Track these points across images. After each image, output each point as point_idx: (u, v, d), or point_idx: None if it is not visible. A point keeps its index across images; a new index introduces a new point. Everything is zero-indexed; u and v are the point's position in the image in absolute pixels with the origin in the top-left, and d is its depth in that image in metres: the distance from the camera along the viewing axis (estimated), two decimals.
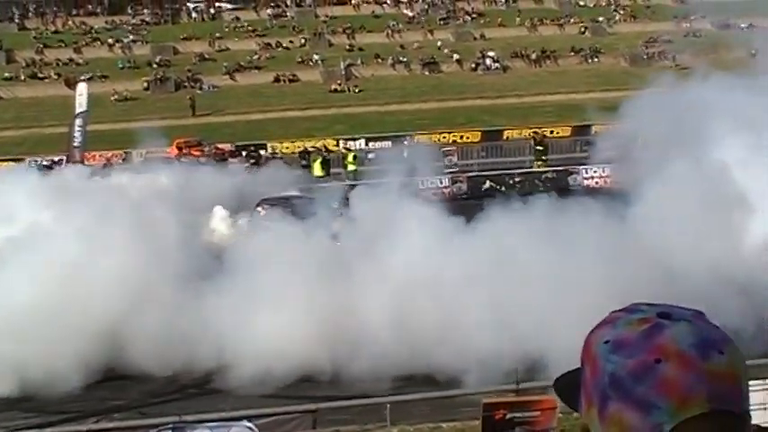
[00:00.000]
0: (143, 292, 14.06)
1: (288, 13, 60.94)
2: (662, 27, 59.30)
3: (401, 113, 43.54)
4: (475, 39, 57.83)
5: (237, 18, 59.97)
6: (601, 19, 61.08)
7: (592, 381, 1.15)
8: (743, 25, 57.76)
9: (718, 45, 49.05)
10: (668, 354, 1.09)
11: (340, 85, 50.68)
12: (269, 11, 60.62)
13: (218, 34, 56.43)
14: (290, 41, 56.65)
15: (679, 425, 1.07)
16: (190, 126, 39.86)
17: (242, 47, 55.68)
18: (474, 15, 61.00)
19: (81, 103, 32.69)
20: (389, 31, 57.78)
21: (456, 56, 54.54)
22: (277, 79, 51.91)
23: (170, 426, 10.53)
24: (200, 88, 50.32)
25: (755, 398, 8.05)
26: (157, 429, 10.59)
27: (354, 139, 35.97)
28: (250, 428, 9.72)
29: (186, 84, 50.89)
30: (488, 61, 54.02)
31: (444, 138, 36.33)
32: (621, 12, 62.95)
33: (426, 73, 53.29)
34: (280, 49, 56.07)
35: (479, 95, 48.70)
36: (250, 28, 58.13)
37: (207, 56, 54.25)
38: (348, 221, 16.53)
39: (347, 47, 56.12)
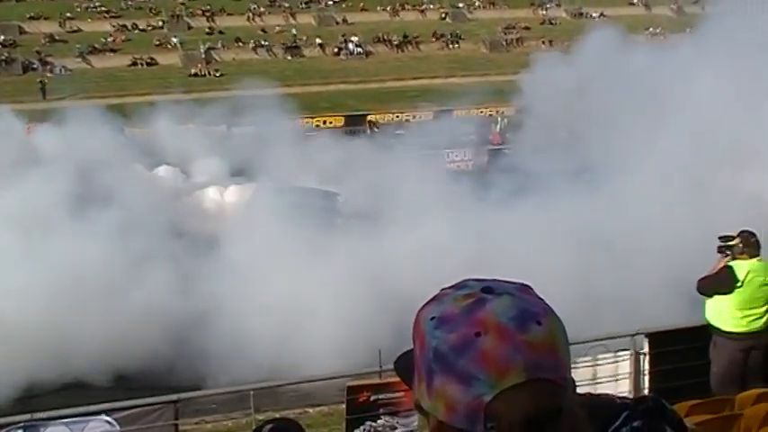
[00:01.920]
0: None
1: None
2: (519, 14, 61.03)
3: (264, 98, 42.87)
4: (337, 23, 57.66)
5: None
6: (461, 5, 62.13)
7: (420, 357, 1.18)
8: (594, 14, 60.31)
9: (573, 32, 50.92)
10: (488, 327, 1.12)
11: (200, 68, 49.47)
12: None
13: (68, 14, 53.73)
14: (148, 23, 54.74)
15: (498, 394, 1.11)
16: (41, 111, 37.83)
17: (95, 28, 53.26)
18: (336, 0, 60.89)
19: None
20: (250, 15, 56.76)
21: (318, 40, 54.26)
22: (134, 62, 50.11)
23: (21, 425, 9.90)
24: (51, 71, 47.87)
25: (607, 370, 8.32)
26: (6, 430, 9.94)
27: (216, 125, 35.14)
28: (109, 422, 9.29)
29: (36, 66, 48.34)
30: (351, 46, 54.05)
31: (308, 122, 36.14)
32: None
33: (289, 57, 52.78)
34: (136, 31, 54.02)
35: (343, 80, 48.71)
36: (103, 8, 55.64)
37: (57, 37, 51.53)
38: None
39: (207, 29, 54.76)
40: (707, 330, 8.20)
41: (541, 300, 1.20)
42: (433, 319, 1.17)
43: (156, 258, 14.59)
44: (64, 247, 14.21)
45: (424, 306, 1.21)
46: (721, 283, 7.91)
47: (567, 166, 17.04)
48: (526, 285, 1.22)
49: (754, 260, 7.88)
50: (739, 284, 7.80)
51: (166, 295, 13.83)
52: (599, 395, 1.46)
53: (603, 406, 1.41)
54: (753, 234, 8.00)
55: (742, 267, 7.86)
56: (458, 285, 1.22)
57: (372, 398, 8.10)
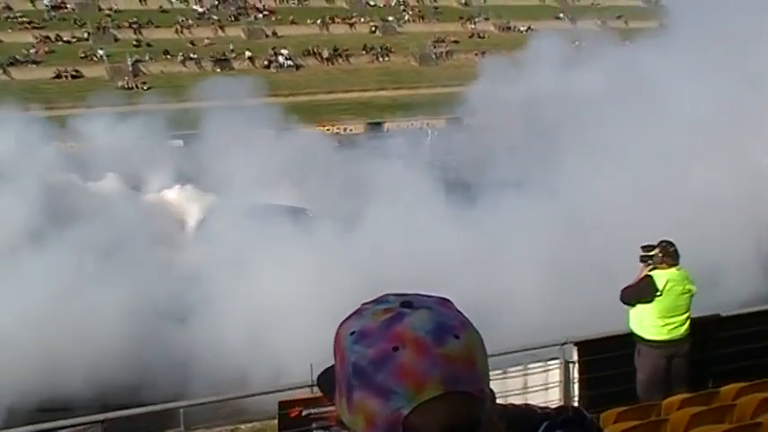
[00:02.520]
0: None
1: (68, 5, 57.48)
2: (449, 28, 61.73)
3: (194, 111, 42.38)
4: (267, 36, 57.42)
5: (9, 7, 55.33)
6: (390, 18, 62.56)
7: (340, 372, 1.19)
8: (522, 28, 61.36)
9: (500, 45, 51.79)
10: (405, 341, 1.14)
11: (127, 81, 48.63)
12: (46, 1, 56.70)
13: None
14: (72, 35, 53.58)
15: (416, 408, 1.12)
16: None
17: (16, 39, 51.87)
18: (265, 12, 60.54)
19: None
20: (178, 27, 56.10)
21: (248, 53, 53.92)
22: (58, 75, 48.97)
23: None
24: None
25: (537, 379, 8.41)
26: None
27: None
28: None
29: None
30: (281, 59, 53.86)
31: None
32: (410, 12, 64.80)
33: (218, 70, 52.29)
34: (60, 42, 52.83)
35: (272, 93, 48.43)
36: (25, 19, 54.25)
37: None
38: None
39: (134, 42, 53.85)
40: (628, 338, 8.37)
41: (460, 313, 1.21)
42: (352, 333, 1.18)
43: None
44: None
45: (344, 321, 1.22)
46: (642, 292, 8.09)
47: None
48: (445, 299, 1.23)
49: (674, 269, 8.07)
50: (659, 293, 7.99)
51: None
52: (519, 406, 1.47)
53: (524, 417, 1.41)
54: (671, 244, 8.19)
55: (661, 277, 8.06)
56: (378, 300, 1.23)
57: (305, 412, 8.02)
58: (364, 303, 1.24)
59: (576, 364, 8.48)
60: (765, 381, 7.46)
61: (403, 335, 1.15)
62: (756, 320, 9.01)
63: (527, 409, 1.47)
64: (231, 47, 54.33)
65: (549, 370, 8.52)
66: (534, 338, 8.95)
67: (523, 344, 8.52)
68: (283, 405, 8.16)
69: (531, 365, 8.44)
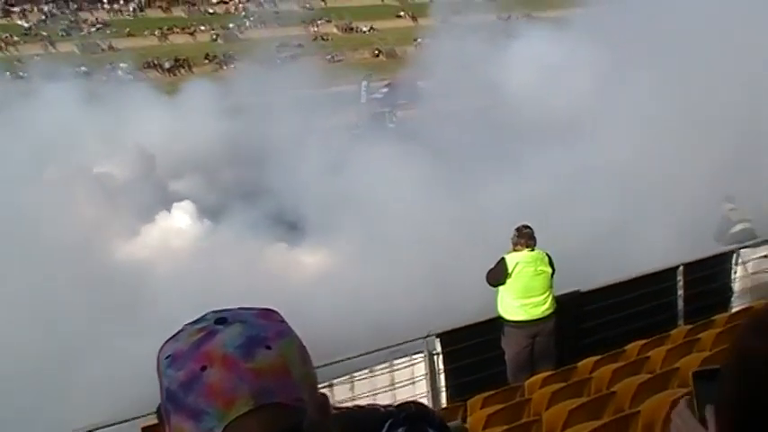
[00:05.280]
0: None
1: None
2: (292, 32, 61.44)
3: None
4: (103, 50, 55.36)
5: None
6: (232, 26, 61.71)
7: (160, 397, 1.17)
8: (365, 28, 62.01)
9: (344, 47, 52.17)
10: (213, 359, 1.11)
11: None
12: None
13: None
14: None
15: (227, 426, 1.10)
16: None
17: None
18: (99, 26, 58.34)
19: None
20: (3, 44, 53.20)
21: (83, 68, 51.76)
22: None
23: None
24: None
25: (404, 374, 8.42)
26: None
27: None
28: None
29: None
30: (120, 72, 52.03)
31: None
32: (252, 18, 64.13)
33: None
34: None
35: None
36: None
37: None
38: None
39: None
40: (497, 322, 8.54)
41: (280, 323, 1.20)
42: (167, 357, 1.16)
43: None
44: None
45: (163, 344, 1.19)
46: (496, 274, 8.35)
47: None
48: (269, 310, 1.22)
49: (526, 251, 8.31)
50: (510, 275, 8.25)
51: None
52: (362, 407, 1.46)
53: (366, 417, 1.40)
54: (526, 227, 8.45)
55: (513, 259, 8.32)
56: (198, 319, 1.21)
57: None
58: (186, 323, 1.20)
59: (441, 356, 8.54)
60: (617, 351, 7.75)
61: (211, 353, 1.12)
62: (614, 293, 9.35)
63: (370, 409, 1.46)
64: (64, 63, 51.98)
65: (414, 364, 8.54)
66: (399, 334, 8.98)
67: (387, 341, 8.50)
68: (146, 431, 7.80)
69: (396, 361, 8.43)
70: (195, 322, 1.20)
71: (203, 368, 1.11)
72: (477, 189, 16.56)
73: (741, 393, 1.36)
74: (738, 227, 12.07)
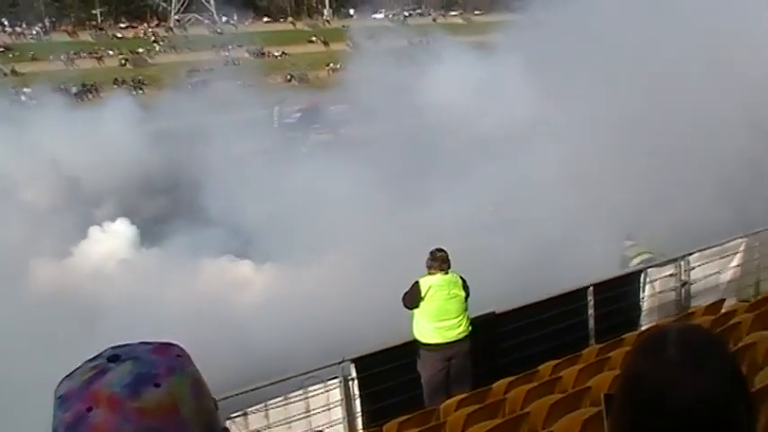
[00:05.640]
0: None
1: None
2: (202, 57, 60.84)
3: None
4: (5, 74, 53.72)
5: None
6: (141, 50, 60.76)
7: None
8: (276, 53, 61.86)
9: (257, 72, 51.91)
10: (99, 400, 1.08)
11: None
12: None
13: None
14: None
15: None
16: None
17: None
18: (1, 49, 56.64)
19: None
20: None
21: None
22: None
23: None
24: None
25: (319, 400, 8.29)
26: None
27: None
28: None
29: None
30: (24, 98, 50.47)
31: None
32: (161, 43, 63.31)
33: None
34: None
35: None
36: None
37: None
38: None
39: None
40: (412, 346, 8.50)
41: (176, 357, 1.16)
42: (59, 398, 1.12)
43: None
44: None
45: (60, 381, 1.16)
46: (410, 298, 8.37)
47: None
48: (166, 344, 1.19)
49: (440, 275, 8.35)
50: (423, 298, 8.27)
51: None
52: None
53: None
54: (440, 250, 8.48)
55: (427, 282, 8.35)
56: (96, 355, 1.18)
57: None
58: (86, 360, 1.17)
59: (356, 381, 8.45)
60: (531, 372, 7.81)
61: (98, 393, 1.09)
62: (527, 314, 9.43)
63: None
64: None
65: (329, 390, 8.41)
66: (314, 360, 8.87)
67: (301, 367, 8.37)
68: None
69: (311, 388, 8.30)
70: (93, 359, 1.17)
71: (89, 409, 1.09)
72: (401, 211, 16.68)
73: (629, 417, 1.37)
74: (635, 261, 12.41)
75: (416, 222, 15.62)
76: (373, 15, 67.89)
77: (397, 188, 17.70)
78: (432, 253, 8.49)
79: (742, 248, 11.05)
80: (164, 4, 72.17)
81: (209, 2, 70.95)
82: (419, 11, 75.56)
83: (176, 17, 69.74)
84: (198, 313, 14.38)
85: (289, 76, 57.58)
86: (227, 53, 62.27)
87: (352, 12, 77.49)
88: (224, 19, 71.28)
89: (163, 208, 23.54)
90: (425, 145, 20.40)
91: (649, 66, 15.14)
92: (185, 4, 70.49)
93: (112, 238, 20.96)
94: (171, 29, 66.96)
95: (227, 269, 18.46)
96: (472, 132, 19.32)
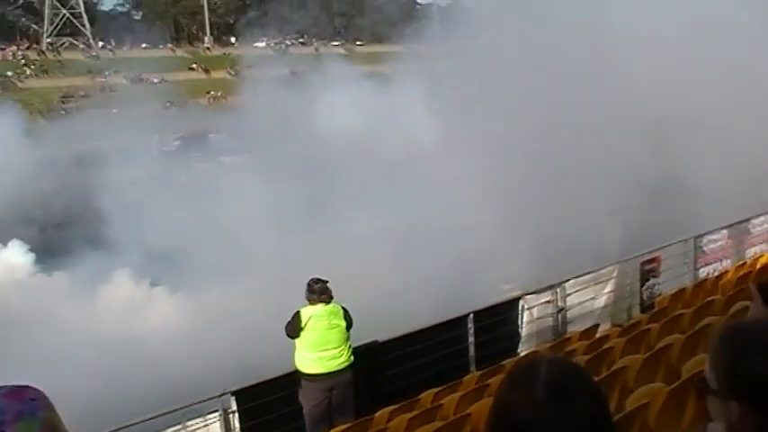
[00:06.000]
0: None
1: None
2: (77, 82, 58.99)
3: None
4: None
5: None
6: (10, 74, 58.37)
7: None
8: (155, 80, 60.59)
9: (134, 98, 50.64)
10: None
11: None
12: None
13: None
14: None
15: None
16: None
17: None
18: None
19: None
20: None
21: None
22: None
23: None
24: None
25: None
26: None
27: None
28: None
29: None
30: None
31: None
32: (32, 66, 61.00)
33: None
34: None
35: None
36: None
37: None
38: None
39: None
40: (294, 377, 8.39)
41: (30, 401, 1.13)
42: None
43: None
44: None
45: None
46: (291, 327, 8.29)
47: None
48: (21, 387, 1.16)
49: (320, 305, 8.31)
50: (303, 328, 8.21)
51: None
52: None
53: None
54: (319, 281, 8.43)
55: (307, 312, 8.30)
56: None
57: None
58: None
59: (236, 414, 8.26)
60: (413, 400, 7.83)
61: None
62: (409, 342, 9.47)
63: None
64: None
65: (209, 424, 8.19)
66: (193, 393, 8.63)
67: (180, 401, 8.11)
68: None
69: (190, 422, 8.06)
70: None
71: None
72: (302, 236, 16.58)
73: None
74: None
75: (315, 247, 15.57)
76: (255, 44, 67.55)
77: (296, 213, 17.59)
78: (309, 285, 8.44)
79: (615, 275, 11.48)
80: (35, 27, 69.68)
81: (84, 26, 68.99)
82: (302, 40, 75.74)
83: (49, 40, 67.39)
84: (92, 341, 13.89)
85: (168, 104, 56.48)
86: (103, 79, 60.56)
87: (233, 40, 76.93)
88: (100, 44, 69.43)
89: (54, 235, 22.66)
90: (320, 171, 20.35)
91: (539, 91, 15.64)
92: (58, 27, 68.26)
93: (4, 264, 20.07)
94: (43, 52, 64.62)
95: (122, 295, 17.90)
96: (367, 158, 19.40)
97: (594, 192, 14.61)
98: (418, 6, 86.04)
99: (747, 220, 13.48)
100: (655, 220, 13.74)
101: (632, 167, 14.69)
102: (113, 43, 69.88)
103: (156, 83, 60.77)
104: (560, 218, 14.41)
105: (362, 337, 8.99)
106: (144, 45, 69.96)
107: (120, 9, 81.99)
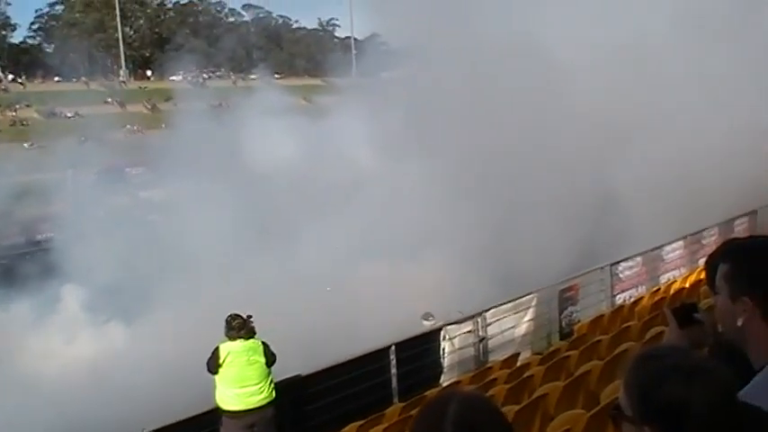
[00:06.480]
0: None
1: None
2: None
3: None
4: None
5: None
6: None
7: None
8: (69, 114, 59.22)
9: (46, 133, 49.37)
10: None
11: None
12: None
13: None
14: None
15: None
16: None
17: None
18: None
19: None
20: None
21: None
22: None
23: None
24: None
25: None
26: None
27: None
28: None
29: None
30: None
31: None
32: None
33: None
34: None
35: None
36: None
37: None
38: None
39: None
40: (214, 414, 8.21)
41: None
42: None
43: None
44: None
45: None
46: (211, 363, 8.15)
47: None
48: None
49: (239, 341, 8.18)
50: (222, 365, 8.07)
51: None
52: None
53: None
54: (237, 316, 8.30)
55: (225, 348, 8.18)
56: None
57: None
58: None
59: None
60: None
61: None
62: (332, 375, 9.37)
63: None
64: None
65: None
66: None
67: None
68: None
69: None
70: None
71: None
72: (212, 275, 16.29)
73: None
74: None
75: (233, 282, 15.36)
76: (171, 77, 66.79)
77: (219, 248, 17.28)
78: (227, 321, 8.33)
79: (534, 303, 11.62)
80: None
81: None
82: (218, 73, 75.23)
83: None
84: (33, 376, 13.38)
85: (83, 138, 55.18)
86: (14, 113, 58.87)
87: (149, 73, 75.90)
88: (10, 77, 67.57)
89: None
90: (243, 203, 19.99)
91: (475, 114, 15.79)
92: None
93: None
94: None
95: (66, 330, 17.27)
96: (293, 190, 19.20)
97: (522, 220, 14.83)
98: (336, 40, 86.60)
99: (660, 247, 13.87)
100: (573, 247, 14.02)
101: (557, 194, 14.98)
102: (24, 77, 68.10)
103: (69, 117, 59.35)
104: (485, 246, 14.56)
105: (287, 370, 8.88)
106: (57, 78, 68.35)
107: (30, 42, 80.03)
